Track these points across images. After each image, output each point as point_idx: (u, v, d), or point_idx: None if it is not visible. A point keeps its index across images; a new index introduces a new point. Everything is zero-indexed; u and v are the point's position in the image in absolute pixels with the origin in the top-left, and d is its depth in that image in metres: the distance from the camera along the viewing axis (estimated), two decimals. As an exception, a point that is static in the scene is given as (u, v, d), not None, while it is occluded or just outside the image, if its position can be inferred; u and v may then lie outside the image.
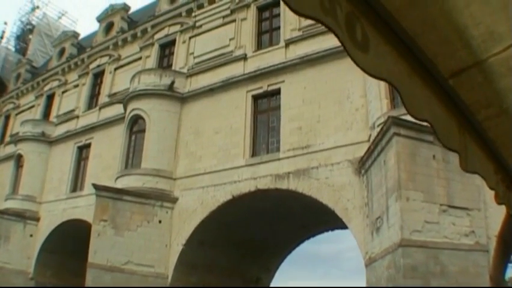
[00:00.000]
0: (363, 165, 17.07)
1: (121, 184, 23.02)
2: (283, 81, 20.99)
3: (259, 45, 22.81)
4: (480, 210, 15.12)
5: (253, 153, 21.00)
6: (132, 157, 23.89)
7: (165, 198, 22.31)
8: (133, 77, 24.92)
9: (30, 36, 37.71)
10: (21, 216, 28.55)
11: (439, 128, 2.18)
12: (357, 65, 1.81)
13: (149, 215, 21.97)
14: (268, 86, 21.41)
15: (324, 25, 1.69)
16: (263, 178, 19.95)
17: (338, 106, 19.10)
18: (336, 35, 1.73)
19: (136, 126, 24.41)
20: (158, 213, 22.13)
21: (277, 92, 21.14)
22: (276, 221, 23.32)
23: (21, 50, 38.29)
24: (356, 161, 17.56)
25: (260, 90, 21.67)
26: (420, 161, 14.29)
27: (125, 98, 24.87)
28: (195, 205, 21.67)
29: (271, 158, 20.11)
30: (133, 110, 24.27)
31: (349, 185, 17.75)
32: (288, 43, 21.28)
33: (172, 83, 23.73)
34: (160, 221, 22.03)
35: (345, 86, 18.86)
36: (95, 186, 22.16)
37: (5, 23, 41.15)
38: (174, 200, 22.33)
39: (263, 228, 23.63)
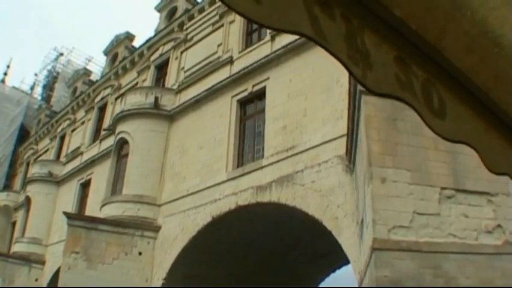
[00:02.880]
0: (350, 156, 12.26)
1: (103, 214, 19.13)
2: (267, 79, 16.67)
3: (247, 45, 18.77)
4: (509, 195, 9.97)
5: (238, 165, 16.63)
6: (117, 184, 20.06)
7: (146, 227, 18.02)
8: (121, 99, 21.49)
9: (57, 84, 35.77)
10: (26, 259, 25.03)
11: None
12: (436, 133, 1.80)
13: (128, 246, 17.71)
14: (253, 86, 17.14)
15: (403, 101, 1.70)
16: (244, 192, 15.38)
17: (326, 93, 14.49)
18: (415, 109, 1.72)
19: (123, 150, 20.69)
20: (138, 243, 17.83)
21: (262, 93, 16.85)
22: (280, 250, 18.39)
23: (47, 97, 36.35)
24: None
25: (245, 93, 17.42)
26: (405, 128, 9.33)
27: (113, 123, 21.38)
28: (175, 232, 17.26)
29: (253, 168, 15.58)
30: (119, 133, 20.60)
31: (339, 186, 12.85)
32: (274, 35, 17.01)
33: (156, 99, 19.93)
34: (140, 253, 17.69)
35: (333, 69, 14.03)
36: (66, 214, 18.42)
37: (36, 74, 39.18)
38: (157, 229, 17.98)
39: (266, 258, 18.67)
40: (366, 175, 8.99)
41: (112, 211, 18.67)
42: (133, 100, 20.51)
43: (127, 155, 19.95)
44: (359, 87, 9.42)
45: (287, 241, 17.80)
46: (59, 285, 17.04)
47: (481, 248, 9.37)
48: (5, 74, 39.05)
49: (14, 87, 37.28)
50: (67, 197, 25.57)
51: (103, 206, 19.36)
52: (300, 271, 20.28)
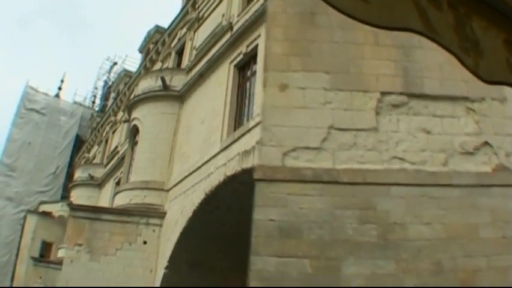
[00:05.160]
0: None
1: (114, 204, 18.10)
2: (259, 36, 14.77)
3: (246, 6, 16.98)
4: (505, 100, 7.26)
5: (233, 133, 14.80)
6: (128, 173, 18.99)
7: (151, 214, 16.61)
8: (135, 87, 20.49)
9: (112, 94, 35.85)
10: (67, 265, 24.73)
11: None
12: None
13: (132, 235, 16.35)
14: (247, 47, 15.34)
15: None
16: (232, 161, 13.50)
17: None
18: None
19: (136, 138, 19.64)
20: (143, 232, 16.43)
21: (256, 52, 14.95)
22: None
23: (103, 107, 36.50)
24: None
25: (241, 56, 15.64)
26: (330, 23, 6.97)
27: (127, 112, 20.42)
28: (176, 216, 15.70)
29: (242, 132, 13.69)
30: (132, 120, 19.61)
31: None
32: (266, -12, 15.19)
33: (163, 80, 18.63)
34: (145, 242, 16.26)
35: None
36: (69, 205, 17.52)
37: (96, 88, 39.47)
38: (162, 215, 16.53)
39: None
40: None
41: (119, 201, 17.57)
42: (144, 85, 19.44)
43: (137, 142, 18.86)
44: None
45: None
46: (60, 280, 16.04)
47: (453, 178, 6.71)
48: (59, 88, 39.84)
49: (75, 102, 37.87)
50: (105, 198, 25.00)
51: (114, 195, 18.34)
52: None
